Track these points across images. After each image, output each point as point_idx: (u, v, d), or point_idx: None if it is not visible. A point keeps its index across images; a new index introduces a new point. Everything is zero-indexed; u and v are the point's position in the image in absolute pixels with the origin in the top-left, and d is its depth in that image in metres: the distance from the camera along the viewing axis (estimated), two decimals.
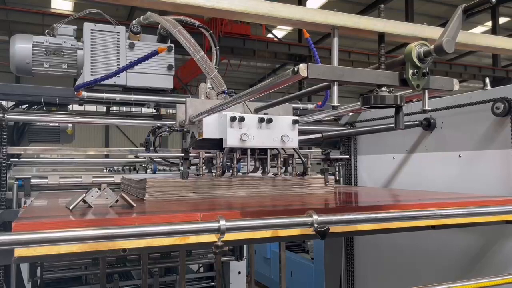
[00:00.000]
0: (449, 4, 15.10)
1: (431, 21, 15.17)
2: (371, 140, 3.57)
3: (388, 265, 3.32)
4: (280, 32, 17.41)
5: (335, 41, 1.43)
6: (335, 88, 1.35)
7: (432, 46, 1.35)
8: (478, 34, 1.75)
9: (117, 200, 1.77)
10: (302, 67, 1.25)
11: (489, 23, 16.90)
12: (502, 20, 17.11)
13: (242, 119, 2.09)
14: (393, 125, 1.51)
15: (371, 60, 15.31)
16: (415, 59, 1.37)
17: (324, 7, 15.60)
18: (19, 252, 1.24)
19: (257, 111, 2.37)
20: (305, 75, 1.25)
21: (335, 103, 1.36)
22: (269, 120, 2.15)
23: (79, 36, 3.09)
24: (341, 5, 15.35)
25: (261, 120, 2.13)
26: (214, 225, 1.39)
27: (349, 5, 15.51)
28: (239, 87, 16.35)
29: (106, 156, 6.30)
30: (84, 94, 2.91)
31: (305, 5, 14.69)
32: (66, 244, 1.25)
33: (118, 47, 3.03)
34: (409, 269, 3.09)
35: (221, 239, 1.39)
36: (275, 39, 16.00)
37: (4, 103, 2.99)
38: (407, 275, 3.11)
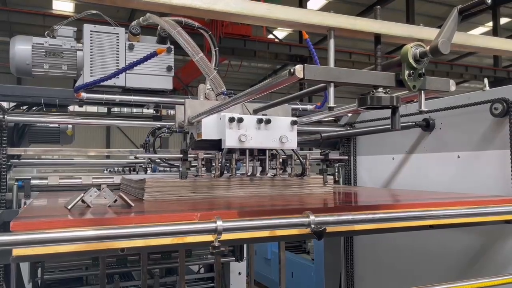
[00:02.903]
0: (449, 5, 15.07)
1: (431, 22, 15.16)
2: (370, 140, 3.57)
3: (388, 265, 3.32)
4: (280, 33, 17.41)
5: (332, 42, 1.43)
6: (331, 89, 1.35)
7: (428, 47, 1.36)
8: (475, 35, 1.75)
9: (116, 200, 1.78)
10: (298, 68, 1.26)
11: (490, 24, 16.89)
12: (503, 20, 17.09)
13: (240, 120, 2.09)
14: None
15: (371, 61, 15.25)
16: (411, 60, 1.37)
17: (324, 8, 15.60)
18: (17, 251, 1.24)
19: (256, 112, 2.37)
20: (301, 76, 1.25)
21: (332, 104, 1.37)
22: (268, 121, 2.15)
23: (79, 37, 3.10)
24: (341, 6, 15.36)
25: (259, 121, 2.14)
26: (211, 225, 1.39)
27: (350, 6, 15.51)
28: (240, 88, 16.21)
29: (107, 157, 6.32)
30: (84, 95, 2.92)
31: (305, 6, 14.68)
32: (63, 244, 1.26)
33: (117, 48, 3.05)
34: (409, 269, 3.09)
35: (218, 239, 1.39)
36: (276, 40, 16.00)
37: (4, 104, 3.01)
38: (406, 276, 3.11)
